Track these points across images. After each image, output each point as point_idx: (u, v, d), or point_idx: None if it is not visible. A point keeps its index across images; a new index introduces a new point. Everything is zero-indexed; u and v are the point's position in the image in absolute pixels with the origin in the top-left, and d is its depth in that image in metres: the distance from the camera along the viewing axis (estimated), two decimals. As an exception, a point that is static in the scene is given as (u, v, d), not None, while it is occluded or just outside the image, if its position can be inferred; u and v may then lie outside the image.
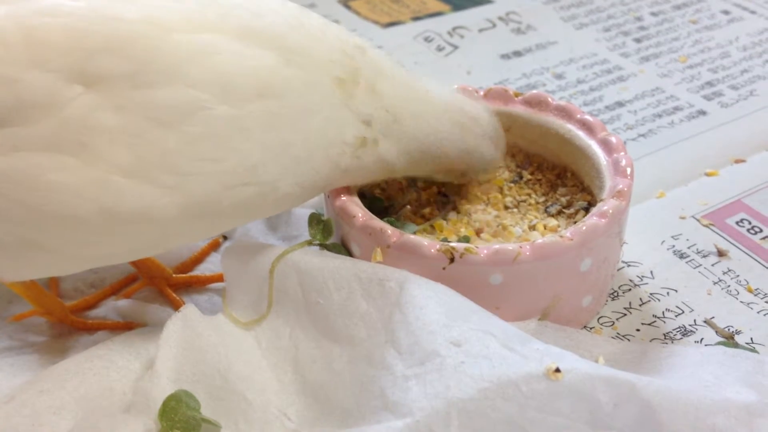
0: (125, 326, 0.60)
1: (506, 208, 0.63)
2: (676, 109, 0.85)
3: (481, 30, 1.00)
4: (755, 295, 0.62)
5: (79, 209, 0.46)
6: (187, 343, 0.52)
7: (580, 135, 0.64)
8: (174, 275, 0.64)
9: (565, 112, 0.65)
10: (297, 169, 0.51)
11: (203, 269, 0.66)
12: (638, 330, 0.60)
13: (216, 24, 0.48)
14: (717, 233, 0.68)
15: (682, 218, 0.70)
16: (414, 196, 0.64)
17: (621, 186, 0.58)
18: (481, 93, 0.68)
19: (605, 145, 0.62)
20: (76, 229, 0.47)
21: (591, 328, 0.60)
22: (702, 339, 0.59)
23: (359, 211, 0.56)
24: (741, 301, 0.62)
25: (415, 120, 0.55)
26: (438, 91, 0.58)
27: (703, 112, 0.84)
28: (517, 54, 0.95)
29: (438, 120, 0.57)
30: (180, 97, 0.47)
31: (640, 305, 0.62)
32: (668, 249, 0.67)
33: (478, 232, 0.60)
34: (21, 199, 0.46)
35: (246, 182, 0.49)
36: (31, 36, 0.46)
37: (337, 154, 0.52)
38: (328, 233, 0.58)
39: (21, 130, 0.46)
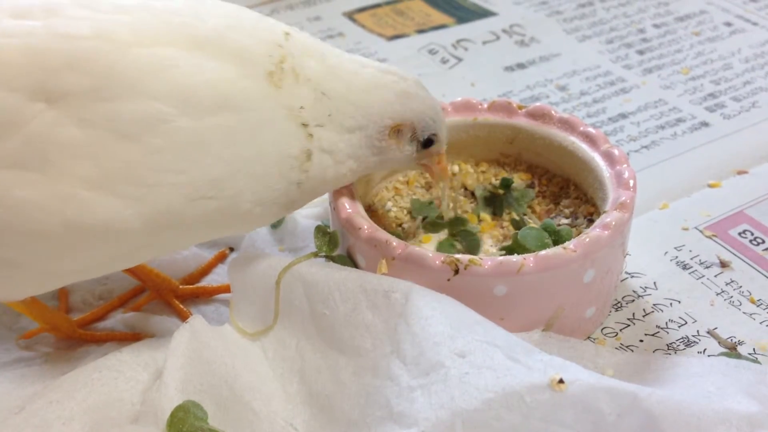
0: (133, 337, 0.60)
1: (510, 219, 0.63)
2: (679, 120, 0.85)
3: (485, 42, 1.01)
4: (758, 306, 0.63)
5: (44, 224, 0.47)
6: (194, 354, 0.53)
7: (584, 147, 0.64)
8: (181, 287, 0.64)
9: (568, 125, 0.66)
10: (255, 186, 0.51)
11: (210, 280, 0.67)
12: (641, 341, 0.60)
13: (164, 35, 0.49)
14: (720, 244, 0.69)
15: (685, 229, 0.70)
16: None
17: (624, 198, 0.58)
18: (485, 105, 0.68)
19: (608, 157, 0.62)
20: (44, 244, 0.48)
21: (594, 339, 0.60)
22: (705, 349, 0.59)
23: (365, 223, 0.57)
24: (743, 312, 0.62)
25: (348, 90, 0.54)
26: (369, 62, 0.56)
27: (705, 124, 0.84)
28: (521, 66, 0.95)
29: (371, 85, 0.55)
30: (143, 109, 0.47)
31: (643, 316, 0.62)
32: (671, 260, 0.67)
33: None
34: None
35: (208, 196, 0.50)
36: None
37: (287, 169, 0.52)
38: (334, 245, 0.58)
39: None
